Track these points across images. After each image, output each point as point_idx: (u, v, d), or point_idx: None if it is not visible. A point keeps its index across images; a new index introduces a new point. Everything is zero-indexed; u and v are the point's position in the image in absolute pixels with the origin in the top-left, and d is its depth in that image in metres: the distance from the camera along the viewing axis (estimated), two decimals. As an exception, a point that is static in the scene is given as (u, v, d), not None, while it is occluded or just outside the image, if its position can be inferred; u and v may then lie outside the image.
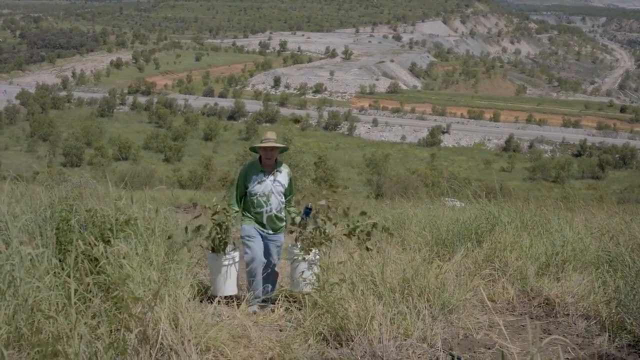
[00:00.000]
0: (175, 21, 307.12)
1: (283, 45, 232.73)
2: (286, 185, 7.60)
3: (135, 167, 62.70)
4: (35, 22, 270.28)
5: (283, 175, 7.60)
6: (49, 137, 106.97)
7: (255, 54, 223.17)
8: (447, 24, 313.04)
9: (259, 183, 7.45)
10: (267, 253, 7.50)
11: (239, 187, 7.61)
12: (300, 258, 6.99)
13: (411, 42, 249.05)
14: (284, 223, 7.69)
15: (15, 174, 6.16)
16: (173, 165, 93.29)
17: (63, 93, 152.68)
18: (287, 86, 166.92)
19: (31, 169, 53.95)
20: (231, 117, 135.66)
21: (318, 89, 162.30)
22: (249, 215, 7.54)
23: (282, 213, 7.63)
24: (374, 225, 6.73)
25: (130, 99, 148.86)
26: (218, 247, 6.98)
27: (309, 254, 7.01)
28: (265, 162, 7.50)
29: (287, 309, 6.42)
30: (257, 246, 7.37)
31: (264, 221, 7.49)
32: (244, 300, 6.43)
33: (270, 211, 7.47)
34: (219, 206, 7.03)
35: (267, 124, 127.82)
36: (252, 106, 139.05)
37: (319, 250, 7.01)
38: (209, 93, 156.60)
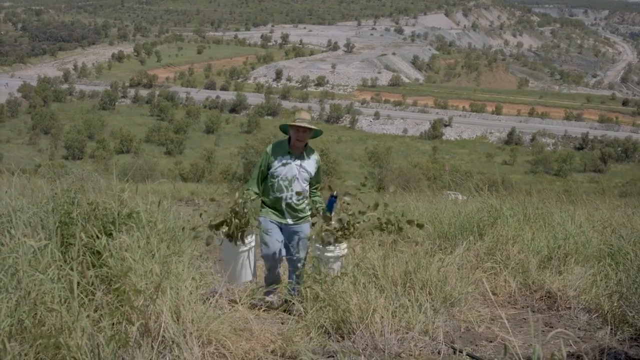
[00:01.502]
0: (177, 14, 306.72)
1: (285, 38, 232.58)
2: (312, 174, 6.89)
3: (137, 160, 62.77)
4: (37, 15, 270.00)
5: (311, 162, 6.88)
6: (50, 130, 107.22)
7: (257, 46, 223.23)
8: (449, 16, 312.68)
9: (283, 165, 6.74)
10: (290, 246, 6.85)
11: (261, 166, 6.85)
12: (325, 254, 6.34)
13: (413, 35, 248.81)
14: (307, 213, 6.98)
15: (17, 167, 6.16)
16: (175, 158, 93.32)
17: (65, 86, 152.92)
18: (289, 79, 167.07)
19: (33, 162, 53.97)
20: (233, 110, 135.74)
21: (320, 82, 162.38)
22: (267, 201, 6.87)
23: (304, 203, 6.92)
24: (409, 222, 6.47)
25: (132, 91, 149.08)
26: (235, 236, 6.41)
27: (334, 248, 6.38)
28: (295, 143, 6.76)
29: (286, 301, 6.42)
30: (275, 241, 6.75)
31: (283, 207, 6.79)
32: (257, 289, 6.21)
33: (291, 198, 6.75)
34: (238, 196, 6.40)
35: (269, 117, 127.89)
36: (254, 99, 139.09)
37: (346, 245, 6.50)
38: (210, 86, 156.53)
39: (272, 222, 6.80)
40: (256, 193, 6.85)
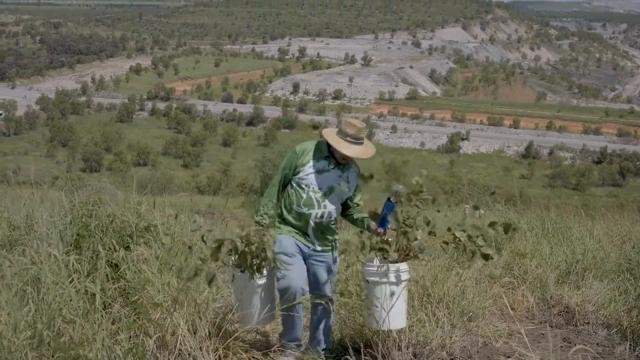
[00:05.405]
0: (195, 27, 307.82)
1: (302, 51, 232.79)
2: (353, 190, 5.07)
3: (154, 173, 63.00)
4: (55, 28, 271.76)
5: (352, 175, 5.04)
6: (68, 142, 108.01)
7: (274, 59, 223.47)
8: (466, 30, 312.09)
9: (318, 172, 4.91)
10: (313, 280, 5.03)
11: (285, 169, 5.01)
12: (382, 279, 4.63)
13: (430, 48, 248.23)
14: (337, 236, 5.11)
15: (35, 179, 6.20)
16: (192, 171, 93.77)
17: (82, 98, 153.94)
18: (306, 92, 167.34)
19: (50, 174, 54.28)
20: (250, 123, 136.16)
21: (337, 95, 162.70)
22: (288, 217, 5.01)
23: (335, 225, 5.09)
24: (493, 225, 4.80)
25: (149, 104, 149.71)
26: (251, 270, 4.54)
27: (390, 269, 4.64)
28: (339, 156, 4.92)
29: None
30: (297, 269, 4.82)
31: (308, 228, 4.94)
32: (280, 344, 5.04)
33: (322, 217, 4.92)
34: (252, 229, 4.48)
35: (287, 130, 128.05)
36: (271, 112, 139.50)
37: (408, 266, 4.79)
38: (227, 99, 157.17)
39: (294, 242, 4.98)
40: (267, 214, 5.00)
